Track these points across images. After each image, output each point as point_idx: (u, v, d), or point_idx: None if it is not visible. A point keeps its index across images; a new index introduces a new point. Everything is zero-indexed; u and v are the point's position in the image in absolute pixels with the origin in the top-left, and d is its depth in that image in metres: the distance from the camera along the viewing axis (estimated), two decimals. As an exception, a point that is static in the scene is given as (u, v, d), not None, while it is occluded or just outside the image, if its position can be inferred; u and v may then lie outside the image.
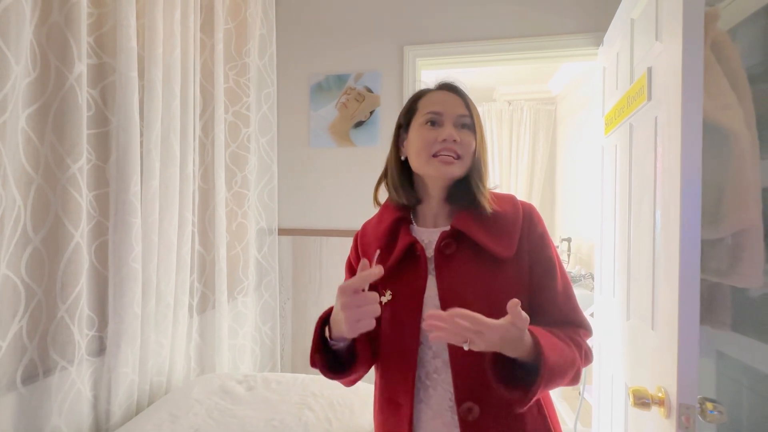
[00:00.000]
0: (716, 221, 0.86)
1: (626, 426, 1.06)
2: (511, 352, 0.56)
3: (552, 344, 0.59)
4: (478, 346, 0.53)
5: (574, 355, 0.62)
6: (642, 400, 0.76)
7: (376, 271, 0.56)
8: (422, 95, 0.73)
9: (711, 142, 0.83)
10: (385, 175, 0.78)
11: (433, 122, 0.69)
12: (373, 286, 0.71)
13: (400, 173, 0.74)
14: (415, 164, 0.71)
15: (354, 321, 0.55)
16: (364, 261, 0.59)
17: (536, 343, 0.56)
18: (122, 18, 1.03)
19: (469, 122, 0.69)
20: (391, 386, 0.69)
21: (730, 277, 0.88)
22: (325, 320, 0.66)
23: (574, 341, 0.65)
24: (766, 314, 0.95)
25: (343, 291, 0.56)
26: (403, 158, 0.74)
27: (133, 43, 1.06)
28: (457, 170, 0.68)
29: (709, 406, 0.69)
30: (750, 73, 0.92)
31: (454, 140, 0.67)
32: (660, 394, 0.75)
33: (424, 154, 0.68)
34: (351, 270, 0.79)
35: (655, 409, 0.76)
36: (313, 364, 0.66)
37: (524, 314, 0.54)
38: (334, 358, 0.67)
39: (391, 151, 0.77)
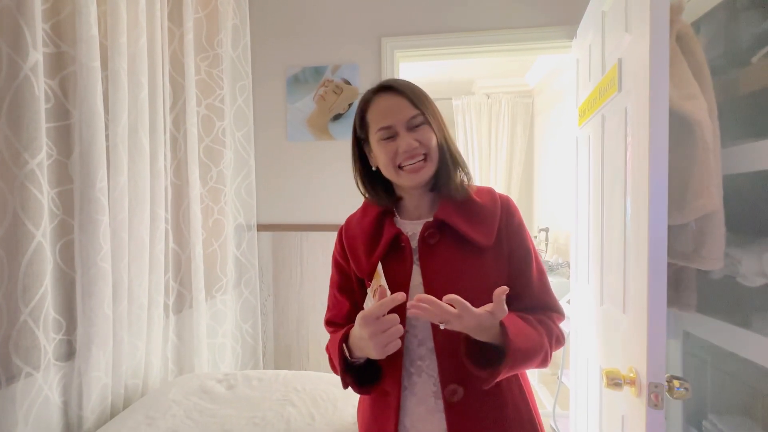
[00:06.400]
0: (681, 207, 0.90)
1: (601, 407, 1.10)
2: (480, 337, 0.60)
3: (519, 330, 0.62)
4: (454, 326, 0.58)
5: (542, 339, 0.65)
6: (615, 381, 0.79)
7: (398, 297, 0.57)
8: (368, 106, 0.72)
9: (677, 131, 0.86)
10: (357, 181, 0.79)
11: (389, 137, 0.69)
12: (361, 279, 0.73)
13: (373, 182, 0.76)
14: (388, 175, 0.72)
15: (382, 346, 0.57)
16: (383, 286, 0.61)
17: (503, 330, 0.59)
18: (81, 5, 0.97)
19: (422, 120, 0.69)
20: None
21: (694, 261, 0.92)
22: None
23: (545, 326, 0.68)
24: (728, 295, 1.01)
25: (366, 321, 0.58)
26: (374, 168, 0.75)
27: (95, 31, 1.00)
28: (428, 172, 0.70)
29: (676, 383, 0.73)
30: (711, 65, 0.96)
31: (414, 146, 0.67)
32: (631, 375, 0.78)
33: (391, 168, 0.70)
34: (338, 266, 0.79)
35: (626, 388, 0.79)
36: (345, 386, 0.68)
37: (504, 306, 0.57)
38: (356, 373, 0.69)
39: (355, 164, 0.77)
